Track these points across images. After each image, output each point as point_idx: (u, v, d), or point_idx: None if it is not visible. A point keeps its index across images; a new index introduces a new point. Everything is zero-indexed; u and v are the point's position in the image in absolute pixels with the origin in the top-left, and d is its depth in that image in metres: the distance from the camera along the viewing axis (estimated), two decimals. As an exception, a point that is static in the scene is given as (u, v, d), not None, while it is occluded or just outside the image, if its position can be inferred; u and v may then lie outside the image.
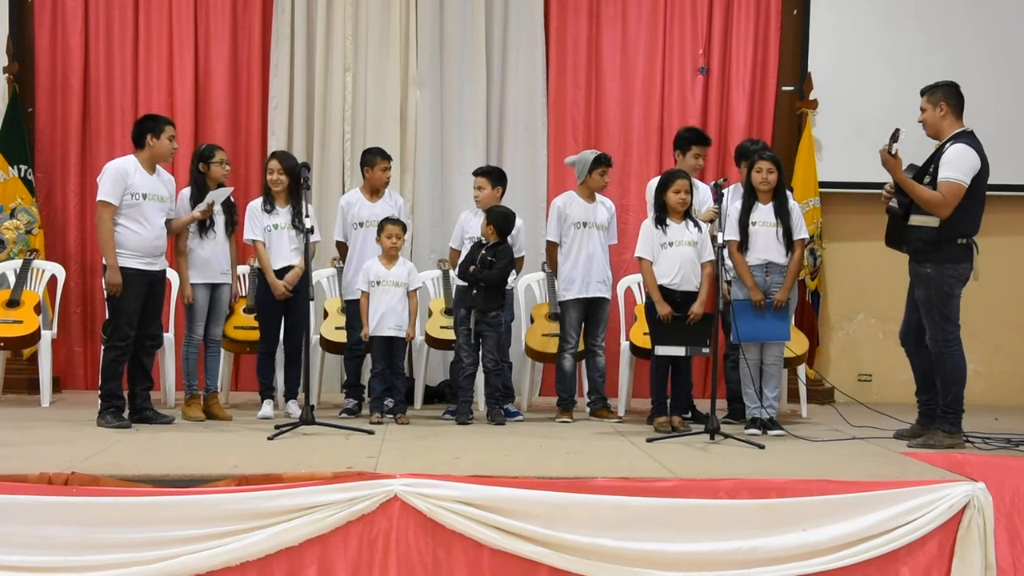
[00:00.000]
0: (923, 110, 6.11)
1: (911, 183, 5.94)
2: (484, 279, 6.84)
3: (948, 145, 5.98)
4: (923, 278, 5.99)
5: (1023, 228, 8.85)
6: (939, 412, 6.05)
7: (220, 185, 6.93)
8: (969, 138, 5.98)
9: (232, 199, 7.03)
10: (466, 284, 6.92)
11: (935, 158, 6.02)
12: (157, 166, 6.62)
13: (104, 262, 6.43)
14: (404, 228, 7.03)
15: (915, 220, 6.01)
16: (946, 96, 6.04)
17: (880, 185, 6.31)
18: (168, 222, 6.65)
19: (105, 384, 6.45)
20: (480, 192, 7.28)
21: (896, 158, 5.93)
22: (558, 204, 7.29)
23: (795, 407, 7.70)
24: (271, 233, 6.97)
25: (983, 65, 8.52)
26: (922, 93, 6.15)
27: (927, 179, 5.98)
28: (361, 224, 7.29)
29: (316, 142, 8.64)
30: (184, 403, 6.95)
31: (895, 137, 5.89)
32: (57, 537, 4.48)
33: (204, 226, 6.80)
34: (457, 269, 7.05)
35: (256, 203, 7.06)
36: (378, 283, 6.84)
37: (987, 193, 8.19)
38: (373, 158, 7.39)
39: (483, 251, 6.88)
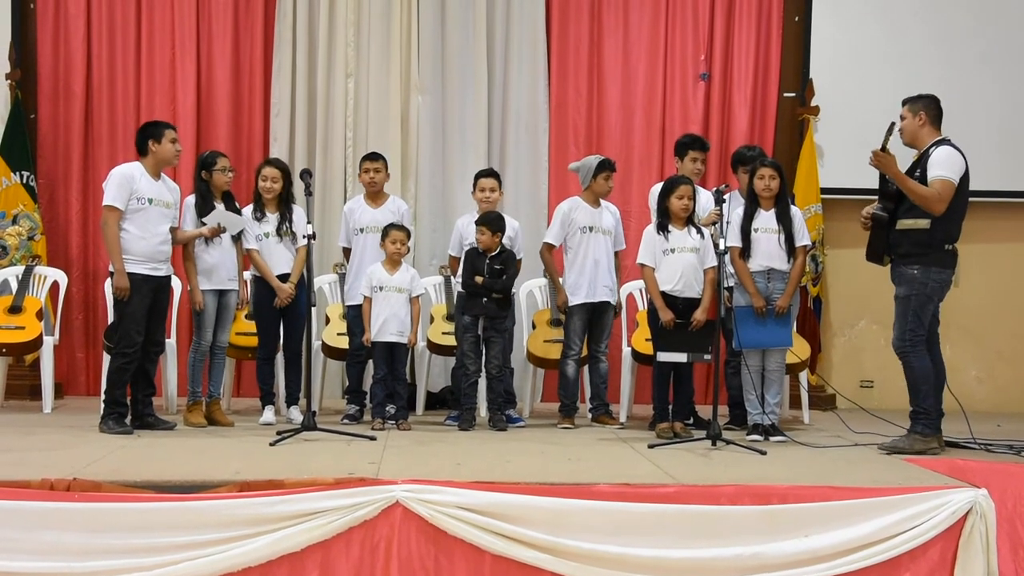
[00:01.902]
0: (903, 118, 6.15)
1: (906, 178, 5.96)
2: (498, 289, 6.84)
3: (932, 149, 6.01)
4: (907, 277, 6.01)
5: (1024, 234, 8.86)
6: (910, 415, 6.05)
7: (228, 194, 6.93)
8: (951, 144, 6.03)
9: (238, 205, 7.03)
10: (470, 291, 6.91)
11: (919, 164, 6.04)
12: (162, 173, 6.63)
13: (111, 268, 6.44)
14: (408, 234, 7.03)
15: (904, 224, 6.02)
16: (926, 107, 6.11)
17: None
18: (173, 231, 6.65)
19: (109, 390, 6.45)
20: (493, 194, 7.26)
21: (889, 155, 5.95)
22: (564, 208, 7.29)
23: (797, 413, 7.69)
24: (262, 242, 6.99)
25: (985, 73, 8.55)
26: (904, 103, 6.20)
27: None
28: (361, 230, 7.29)
29: (318, 148, 8.65)
30: (186, 409, 6.95)
31: (891, 131, 5.92)
32: (59, 543, 4.48)
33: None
34: (461, 281, 7.03)
35: (246, 211, 7.06)
36: (381, 288, 6.84)
37: (990, 200, 8.30)
38: (360, 162, 7.44)
39: (488, 260, 6.88)
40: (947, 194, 5.89)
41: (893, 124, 5.95)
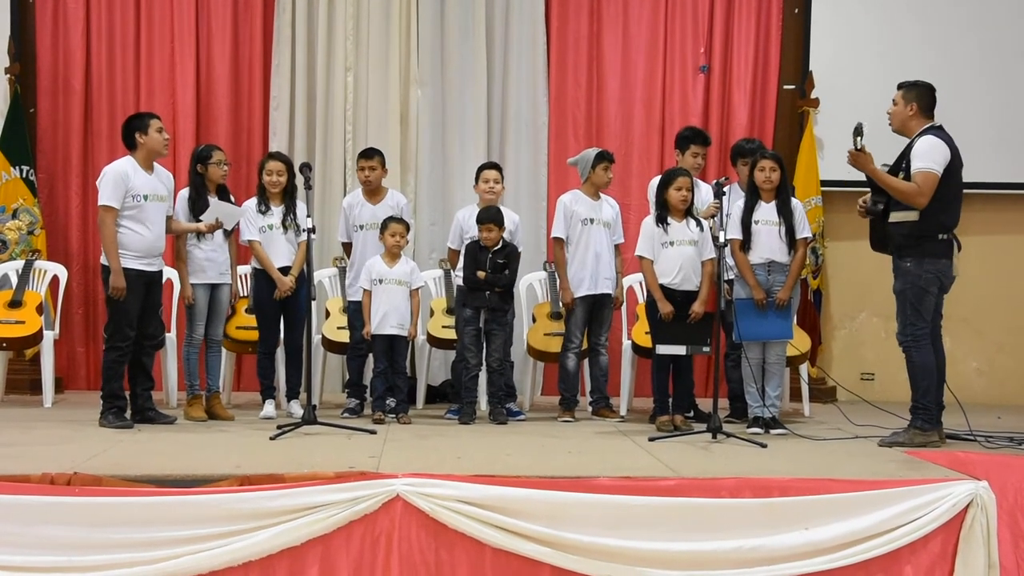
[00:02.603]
0: (895, 103, 6.12)
1: (884, 176, 5.94)
2: (502, 283, 6.84)
3: (917, 139, 5.98)
4: (901, 271, 5.99)
5: (1025, 226, 8.85)
6: (910, 408, 6.04)
7: (222, 188, 6.93)
8: (938, 131, 5.99)
9: (233, 198, 7.03)
10: (472, 287, 6.90)
11: (905, 155, 6.02)
12: (155, 164, 6.61)
13: (103, 261, 6.42)
14: (407, 227, 7.02)
15: (895, 216, 6.00)
16: (919, 97, 6.05)
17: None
18: (168, 220, 6.64)
19: (106, 385, 6.45)
20: (496, 186, 7.25)
21: (865, 153, 5.91)
22: (565, 201, 7.27)
23: (797, 406, 7.69)
24: (266, 233, 6.98)
25: (985, 64, 8.54)
26: (899, 87, 6.15)
27: (900, 175, 5.97)
28: (361, 227, 7.29)
29: (318, 142, 8.64)
30: (186, 403, 6.95)
31: (858, 131, 5.87)
32: (60, 537, 4.48)
33: (202, 226, 6.82)
34: (463, 277, 7.01)
35: (251, 203, 7.06)
36: (380, 281, 6.84)
37: (990, 192, 8.28)
38: (357, 160, 7.45)
39: (491, 254, 6.88)
40: (927, 187, 5.83)
41: (860, 125, 5.88)
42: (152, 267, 6.52)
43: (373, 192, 7.35)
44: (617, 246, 7.31)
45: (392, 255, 6.90)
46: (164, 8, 8.66)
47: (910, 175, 5.89)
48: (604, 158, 7.18)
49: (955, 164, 5.93)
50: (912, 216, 5.91)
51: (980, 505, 4.81)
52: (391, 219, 6.95)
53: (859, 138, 5.86)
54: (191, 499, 4.58)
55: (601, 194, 7.29)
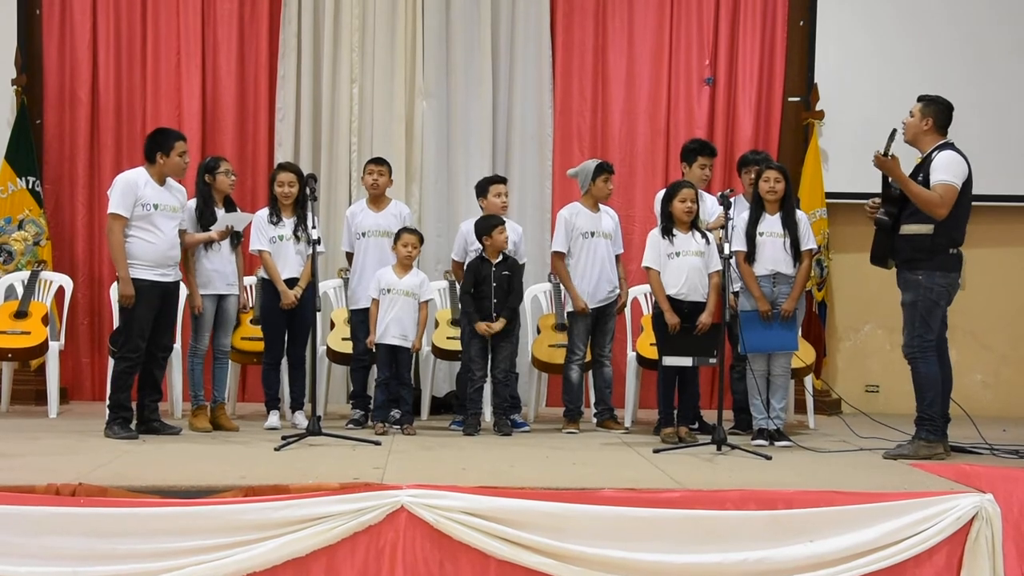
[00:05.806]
0: (911, 115, 6.14)
1: (910, 182, 5.96)
2: (511, 299, 6.86)
3: (935, 153, 6.01)
4: (912, 283, 6.00)
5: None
6: (916, 420, 6.04)
7: (228, 199, 6.97)
8: (953, 147, 6.03)
9: (238, 209, 7.04)
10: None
11: (921, 168, 6.04)
12: (167, 178, 6.62)
13: (117, 274, 6.44)
14: (421, 239, 7.02)
15: (907, 229, 6.02)
16: (937, 113, 6.08)
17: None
18: (181, 234, 6.65)
19: (114, 395, 6.45)
20: (508, 199, 7.30)
21: (893, 159, 5.94)
22: (564, 215, 7.28)
23: (802, 418, 7.68)
24: (277, 244, 6.98)
25: (990, 76, 8.54)
26: (919, 99, 6.18)
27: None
28: (363, 234, 7.31)
29: (323, 153, 8.66)
30: (191, 414, 6.95)
31: (892, 137, 5.91)
32: (64, 548, 4.48)
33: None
34: (460, 294, 7.00)
35: (262, 213, 7.07)
36: (389, 291, 6.84)
37: (996, 204, 8.29)
38: (364, 166, 7.49)
39: (494, 267, 6.88)
40: (949, 198, 5.88)
41: (895, 130, 5.94)
42: (166, 277, 6.51)
43: (377, 200, 7.36)
44: (617, 256, 7.31)
45: (403, 266, 6.89)
46: (170, 19, 8.69)
47: (928, 187, 5.91)
48: (604, 170, 7.18)
49: (969, 180, 5.98)
50: (926, 229, 5.94)
51: (985, 518, 4.80)
52: (405, 230, 6.96)
53: (891, 143, 5.89)
54: (196, 510, 4.58)
55: (601, 205, 7.29)
